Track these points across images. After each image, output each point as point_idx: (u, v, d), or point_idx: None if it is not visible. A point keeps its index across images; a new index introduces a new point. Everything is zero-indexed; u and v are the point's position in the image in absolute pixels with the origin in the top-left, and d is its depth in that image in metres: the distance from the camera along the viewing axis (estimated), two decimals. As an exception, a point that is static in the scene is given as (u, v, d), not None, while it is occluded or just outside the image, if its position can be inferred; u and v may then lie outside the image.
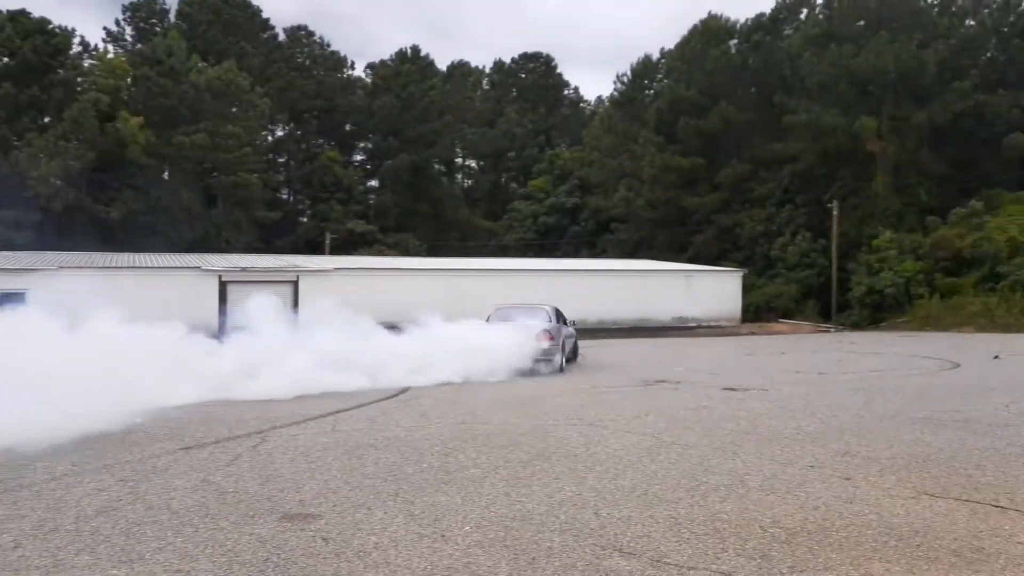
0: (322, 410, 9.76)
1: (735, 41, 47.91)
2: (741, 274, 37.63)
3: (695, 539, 4.45)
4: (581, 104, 71.90)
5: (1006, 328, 29.77)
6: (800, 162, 43.87)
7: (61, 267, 26.83)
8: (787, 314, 39.07)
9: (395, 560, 4.14)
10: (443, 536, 4.52)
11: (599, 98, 69.41)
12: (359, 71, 63.69)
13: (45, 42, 46.82)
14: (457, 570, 4.00)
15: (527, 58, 69.69)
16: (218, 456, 6.96)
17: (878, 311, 36.63)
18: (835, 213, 39.50)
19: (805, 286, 40.64)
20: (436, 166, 61.20)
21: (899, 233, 37.80)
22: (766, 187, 45.87)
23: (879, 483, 5.71)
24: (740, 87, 46.76)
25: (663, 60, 52.58)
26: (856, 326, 36.15)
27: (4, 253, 31.04)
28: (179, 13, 55.58)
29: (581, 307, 25.87)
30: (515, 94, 67.87)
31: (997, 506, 5.07)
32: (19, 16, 46.88)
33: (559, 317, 16.89)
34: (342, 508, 5.12)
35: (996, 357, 17.46)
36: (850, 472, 6.04)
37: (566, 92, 71.38)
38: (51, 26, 47.83)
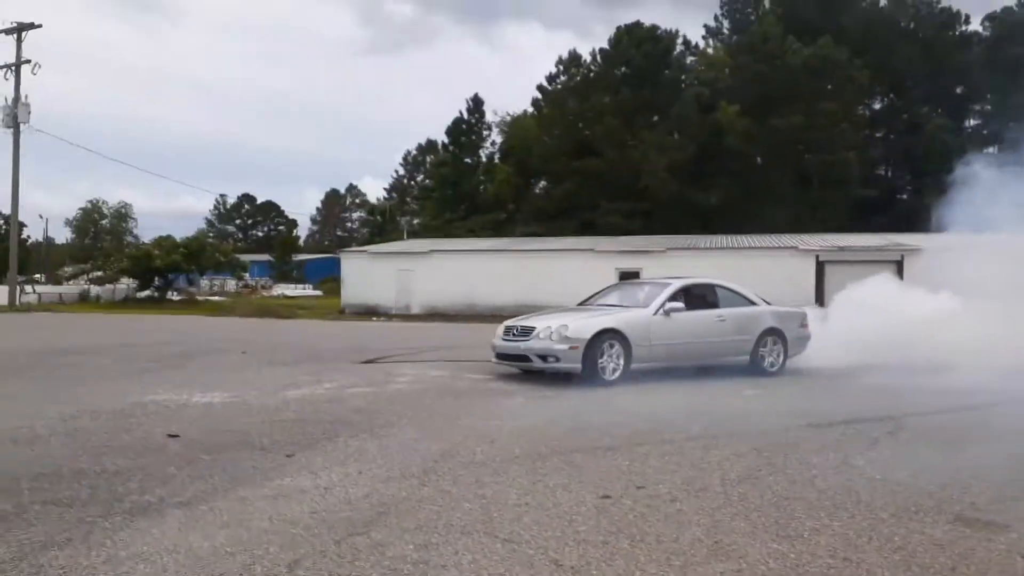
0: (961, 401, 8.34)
1: None
2: None
3: None
4: None
5: None
6: None
7: (668, 249, 29.57)
8: None
9: None
10: None
11: None
12: (975, 25, 54.91)
13: (654, 47, 52.33)
14: None
15: None
16: (852, 437, 6.37)
17: None
18: None
19: None
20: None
21: None
22: None
23: None
24: None
25: None
26: None
27: (621, 238, 35.64)
28: (773, -1, 55.87)
29: None
30: None
31: None
32: (633, 28, 53.31)
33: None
34: (1035, 524, 4.03)
35: None
36: None
37: None
38: (659, 31, 53.23)
